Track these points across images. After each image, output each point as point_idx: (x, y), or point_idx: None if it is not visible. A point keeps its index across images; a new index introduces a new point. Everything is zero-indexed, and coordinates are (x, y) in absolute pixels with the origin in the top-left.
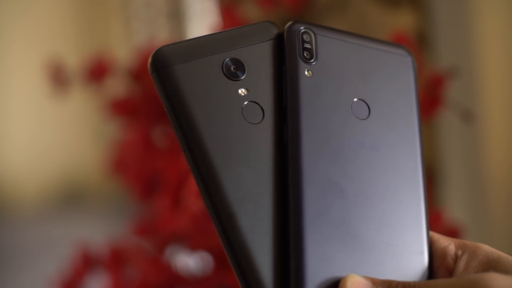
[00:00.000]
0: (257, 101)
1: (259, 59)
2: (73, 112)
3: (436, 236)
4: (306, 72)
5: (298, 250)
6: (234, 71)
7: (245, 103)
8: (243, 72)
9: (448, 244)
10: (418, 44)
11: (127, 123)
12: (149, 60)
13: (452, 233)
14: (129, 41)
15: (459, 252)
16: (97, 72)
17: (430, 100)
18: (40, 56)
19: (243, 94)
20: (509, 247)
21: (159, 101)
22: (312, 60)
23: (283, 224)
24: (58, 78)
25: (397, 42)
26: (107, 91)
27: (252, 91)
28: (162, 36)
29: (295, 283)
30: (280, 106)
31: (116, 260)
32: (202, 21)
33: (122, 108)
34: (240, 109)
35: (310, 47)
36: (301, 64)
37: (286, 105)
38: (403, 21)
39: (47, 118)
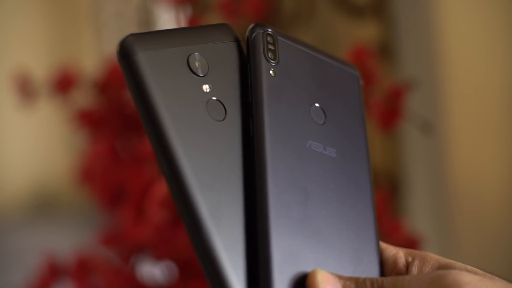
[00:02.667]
0: (219, 99)
1: (221, 58)
2: (44, 121)
3: (384, 244)
4: (270, 71)
5: (265, 240)
6: (198, 66)
7: (209, 99)
8: (206, 69)
9: (396, 252)
10: (381, 55)
11: (93, 134)
12: (117, 47)
13: (411, 243)
14: (99, 50)
15: (409, 259)
16: (63, 83)
17: (390, 111)
18: (9, 67)
19: (206, 91)
20: (471, 256)
21: (124, 112)
22: (274, 62)
23: (251, 221)
24: (25, 89)
25: (359, 52)
26: (74, 102)
27: (214, 88)
28: None
29: (263, 275)
30: (244, 103)
31: (82, 270)
32: None
33: (88, 119)
34: (205, 105)
35: (273, 48)
36: (266, 63)
37: (252, 100)
38: (367, 32)
39: (17, 127)
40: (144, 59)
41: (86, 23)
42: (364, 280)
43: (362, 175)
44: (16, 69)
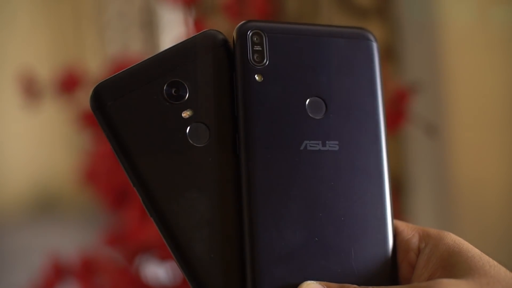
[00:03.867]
0: (202, 121)
1: (202, 73)
2: (48, 122)
3: (401, 226)
4: (256, 77)
5: (255, 257)
6: (176, 94)
7: (190, 125)
8: (186, 92)
9: (412, 236)
10: (385, 58)
11: (97, 134)
12: (90, 98)
13: None
14: (102, 51)
15: (422, 245)
16: (67, 84)
17: (394, 113)
18: (14, 68)
19: (187, 117)
20: None
21: None
22: (263, 63)
23: (241, 242)
24: (30, 89)
25: None
26: (78, 102)
27: (196, 110)
28: (136, 46)
29: None
30: (231, 116)
31: (86, 270)
32: (174, 32)
33: (92, 120)
34: (186, 133)
35: (260, 49)
36: (251, 69)
37: (238, 114)
38: None
39: (21, 128)
40: (120, 107)
41: (89, 24)
42: None
43: (371, 160)
44: (21, 70)
